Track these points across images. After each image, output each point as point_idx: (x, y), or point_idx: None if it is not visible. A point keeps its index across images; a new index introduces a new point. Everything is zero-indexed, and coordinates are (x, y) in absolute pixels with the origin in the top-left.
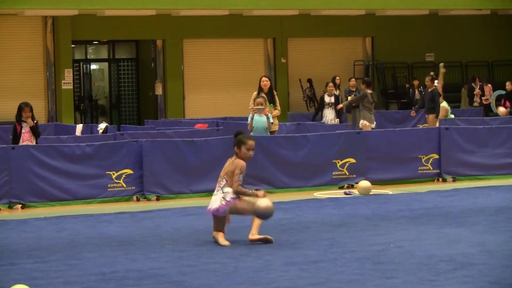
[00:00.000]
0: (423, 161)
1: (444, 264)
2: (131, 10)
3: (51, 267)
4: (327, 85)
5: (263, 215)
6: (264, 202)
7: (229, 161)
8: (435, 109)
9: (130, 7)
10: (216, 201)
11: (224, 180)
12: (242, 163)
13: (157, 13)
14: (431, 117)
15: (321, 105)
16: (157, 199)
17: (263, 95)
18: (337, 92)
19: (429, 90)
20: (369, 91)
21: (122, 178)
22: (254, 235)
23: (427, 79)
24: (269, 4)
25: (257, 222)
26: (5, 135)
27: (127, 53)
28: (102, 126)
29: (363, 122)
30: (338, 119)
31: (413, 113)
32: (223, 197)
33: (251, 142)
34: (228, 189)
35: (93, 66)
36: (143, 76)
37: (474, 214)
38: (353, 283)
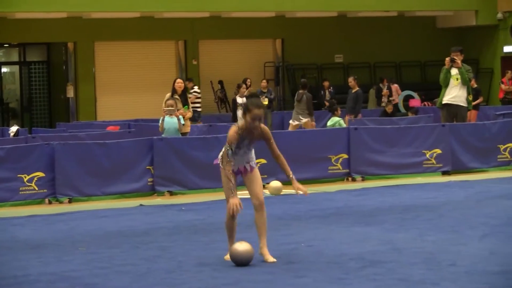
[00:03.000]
0: (332, 161)
1: (353, 262)
2: (42, 12)
3: None
4: (239, 87)
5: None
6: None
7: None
8: (355, 109)
9: (41, 9)
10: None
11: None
12: (231, 133)
13: (68, 16)
14: (352, 116)
15: (234, 107)
16: (70, 202)
17: (177, 97)
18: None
19: (353, 91)
20: (302, 91)
21: (34, 181)
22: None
23: (351, 79)
24: (180, 7)
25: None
26: None
27: (38, 56)
28: (14, 129)
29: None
30: None
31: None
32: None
33: (256, 111)
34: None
35: (4, 69)
36: (55, 79)
37: (382, 212)
38: (264, 282)
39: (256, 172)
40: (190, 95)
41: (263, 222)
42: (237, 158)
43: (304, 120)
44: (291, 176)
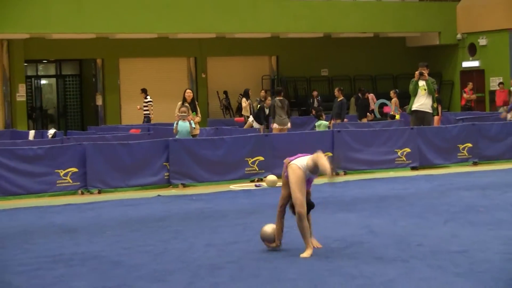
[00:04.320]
0: None
1: (337, 243)
2: (74, 33)
3: (7, 252)
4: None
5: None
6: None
7: None
8: (341, 115)
9: (74, 31)
10: None
11: None
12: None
13: (96, 36)
14: (338, 120)
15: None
16: (99, 193)
17: (187, 104)
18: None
19: (339, 99)
20: (279, 97)
21: (69, 175)
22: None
23: (337, 90)
24: (191, 28)
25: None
26: None
27: (72, 70)
28: (51, 131)
29: (274, 126)
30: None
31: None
32: None
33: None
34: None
35: (43, 81)
36: (86, 89)
37: (361, 201)
38: (262, 260)
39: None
40: (144, 104)
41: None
42: None
43: (289, 125)
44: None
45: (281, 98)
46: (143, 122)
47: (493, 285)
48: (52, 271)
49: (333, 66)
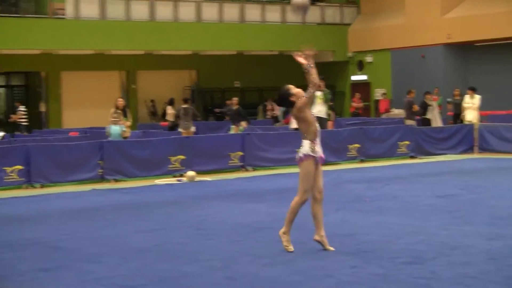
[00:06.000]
0: (231, 156)
1: (246, 229)
2: (22, 49)
3: None
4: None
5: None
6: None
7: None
8: (239, 120)
9: (21, 47)
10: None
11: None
12: (299, 98)
13: (41, 52)
14: (241, 123)
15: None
16: (41, 187)
17: (119, 111)
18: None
19: (235, 108)
20: (185, 106)
21: (15, 172)
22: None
23: (235, 99)
24: (123, 46)
25: (321, 220)
26: None
27: (19, 81)
28: (1, 134)
29: (180, 130)
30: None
31: (218, 110)
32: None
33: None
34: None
35: None
36: (31, 98)
37: (267, 193)
38: (183, 244)
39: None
40: (17, 113)
41: (322, 213)
42: (318, 146)
43: (193, 129)
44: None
45: (186, 106)
46: (20, 131)
47: (376, 262)
48: None
49: (244, 79)
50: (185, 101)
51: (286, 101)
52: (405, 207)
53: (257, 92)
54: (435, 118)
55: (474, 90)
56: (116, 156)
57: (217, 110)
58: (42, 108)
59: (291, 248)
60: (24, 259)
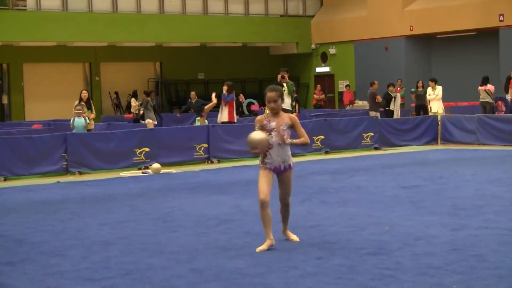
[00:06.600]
0: (197, 149)
1: (212, 221)
2: None
3: None
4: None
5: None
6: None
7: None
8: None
9: None
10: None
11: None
12: (258, 117)
13: (2, 44)
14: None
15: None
16: (5, 180)
17: (83, 103)
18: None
19: (194, 100)
20: (148, 98)
21: None
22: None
23: (193, 93)
24: (86, 38)
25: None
26: None
27: None
28: None
29: (148, 121)
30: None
31: (178, 114)
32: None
33: (269, 94)
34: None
35: None
36: None
37: (232, 185)
38: (148, 236)
39: (290, 174)
40: None
41: (288, 213)
42: (273, 156)
43: (151, 121)
44: (293, 141)
45: (149, 98)
46: None
47: (341, 253)
48: None
49: (208, 70)
50: (147, 94)
51: None
52: (369, 198)
53: (221, 83)
54: (396, 110)
55: (435, 81)
56: (80, 149)
57: (178, 114)
58: (4, 100)
59: (295, 238)
60: None
